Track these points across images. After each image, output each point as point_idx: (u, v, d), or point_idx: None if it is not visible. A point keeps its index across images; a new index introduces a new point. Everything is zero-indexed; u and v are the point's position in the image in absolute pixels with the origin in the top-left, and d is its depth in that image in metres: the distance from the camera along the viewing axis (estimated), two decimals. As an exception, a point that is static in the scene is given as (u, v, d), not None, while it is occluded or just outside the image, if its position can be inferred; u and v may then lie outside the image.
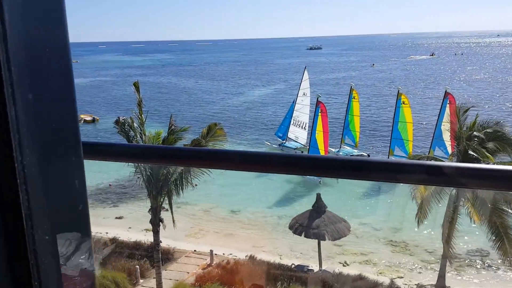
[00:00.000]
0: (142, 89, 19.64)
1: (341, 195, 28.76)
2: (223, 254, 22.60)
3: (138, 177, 17.99)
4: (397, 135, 34.82)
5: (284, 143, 42.37)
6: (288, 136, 42.22)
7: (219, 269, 20.35)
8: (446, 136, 29.52)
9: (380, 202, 29.51)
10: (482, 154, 17.57)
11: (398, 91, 35.60)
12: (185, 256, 22.32)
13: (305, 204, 24.10)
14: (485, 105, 57.56)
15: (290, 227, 20.01)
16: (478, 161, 17.60)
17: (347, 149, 39.11)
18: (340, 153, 38.64)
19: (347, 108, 39.34)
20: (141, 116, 17.88)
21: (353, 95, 38.43)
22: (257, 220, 27.91)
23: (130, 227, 26.40)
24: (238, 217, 28.40)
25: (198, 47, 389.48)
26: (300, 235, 19.45)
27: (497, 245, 16.59)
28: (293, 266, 20.99)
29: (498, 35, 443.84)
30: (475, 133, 18.11)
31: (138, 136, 17.82)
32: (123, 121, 17.95)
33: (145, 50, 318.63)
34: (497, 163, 16.97)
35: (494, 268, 21.27)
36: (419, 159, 19.59)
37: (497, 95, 70.61)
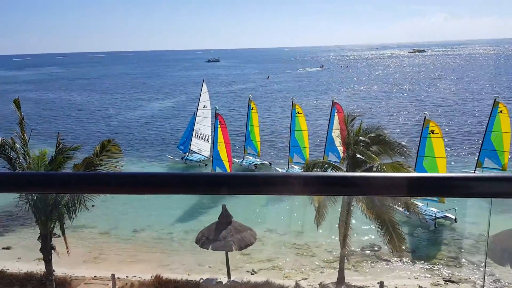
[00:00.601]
0: (27, 106, 18.11)
1: (246, 205, 29.17)
2: (127, 277, 21.43)
3: (26, 202, 16.37)
4: (295, 143, 36.52)
5: (187, 156, 41.87)
6: (191, 148, 41.82)
7: (123, 293, 19.28)
8: (338, 142, 31.52)
9: (283, 208, 30.62)
10: (369, 156, 19.25)
11: (292, 101, 37.42)
12: (84, 284, 20.73)
13: (212, 216, 23.99)
14: (369, 112, 63.25)
15: (197, 241, 19.69)
16: (365, 163, 19.25)
17: (251, 158, 40.01)
18: (244, 163, 39.40)
19: (247, 119, 40.32)
20: (23, 135, 16.33)
21: (251, 106, 39.51)
22: (162, 238, 27.02)
23: (19, 258, 23.95)
24: (142, 236, 27.21)
25: (90, 60, 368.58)
26: (208, 248, 19.26)
27: (387, 240, 18.23)
28: (201, 281, 20.68)
29: (377, 48, 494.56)
30: (360, 138, 19.79)
31: (21, 157, 16.21)
32: (3, 142, 16.19)
33: (31, 64, 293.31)
34: (381, 164, 18.69)
35: (385, 260, 23.32)
36: (314, 165, 20.74)
37: (378, 102, 78.29)
